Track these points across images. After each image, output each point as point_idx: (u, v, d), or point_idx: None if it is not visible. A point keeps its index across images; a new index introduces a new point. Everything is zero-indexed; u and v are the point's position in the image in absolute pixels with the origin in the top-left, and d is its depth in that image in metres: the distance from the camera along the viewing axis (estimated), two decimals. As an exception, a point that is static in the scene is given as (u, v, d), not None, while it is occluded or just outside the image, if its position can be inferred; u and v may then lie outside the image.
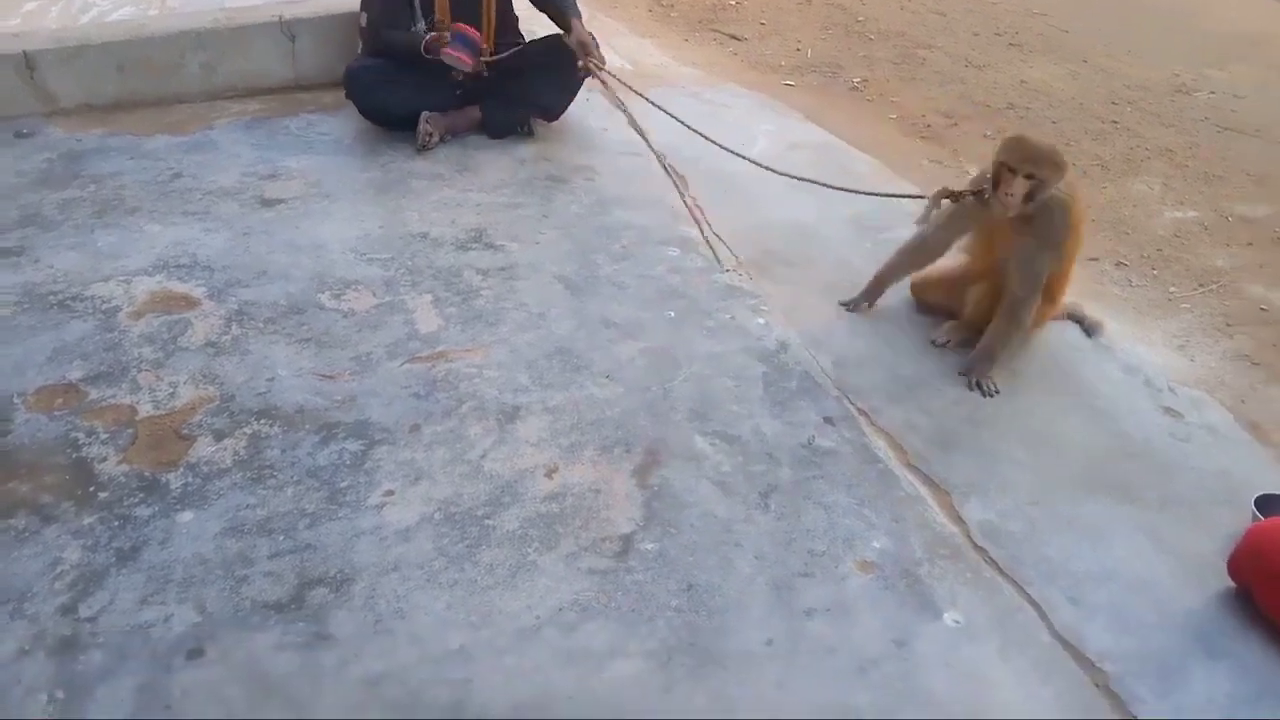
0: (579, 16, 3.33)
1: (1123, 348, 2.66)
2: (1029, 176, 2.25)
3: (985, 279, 2.51)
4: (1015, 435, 2.28)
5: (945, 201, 2.47)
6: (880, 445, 2.19)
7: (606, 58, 3.55)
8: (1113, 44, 4.98)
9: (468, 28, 3.25)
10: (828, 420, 2.24)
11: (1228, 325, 2.87)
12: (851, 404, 2.30)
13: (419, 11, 3.32)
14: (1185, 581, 1.93)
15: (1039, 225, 2.33)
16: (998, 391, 2.40)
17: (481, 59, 3.27)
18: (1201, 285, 3.04)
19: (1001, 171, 2.28)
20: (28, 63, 3.44)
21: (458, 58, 3.23)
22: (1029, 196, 2.27)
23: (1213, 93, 4.42)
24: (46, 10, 3.82)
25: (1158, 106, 4.29)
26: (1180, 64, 4.75)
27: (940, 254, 2.58)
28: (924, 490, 2.08)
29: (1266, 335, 2.84)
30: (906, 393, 2.37)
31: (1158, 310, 2.92)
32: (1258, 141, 3.99)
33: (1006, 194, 2.26)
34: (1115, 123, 4.12)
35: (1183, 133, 4.05)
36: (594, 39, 3.29)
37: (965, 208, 2.43)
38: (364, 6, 3.41)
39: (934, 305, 2.66)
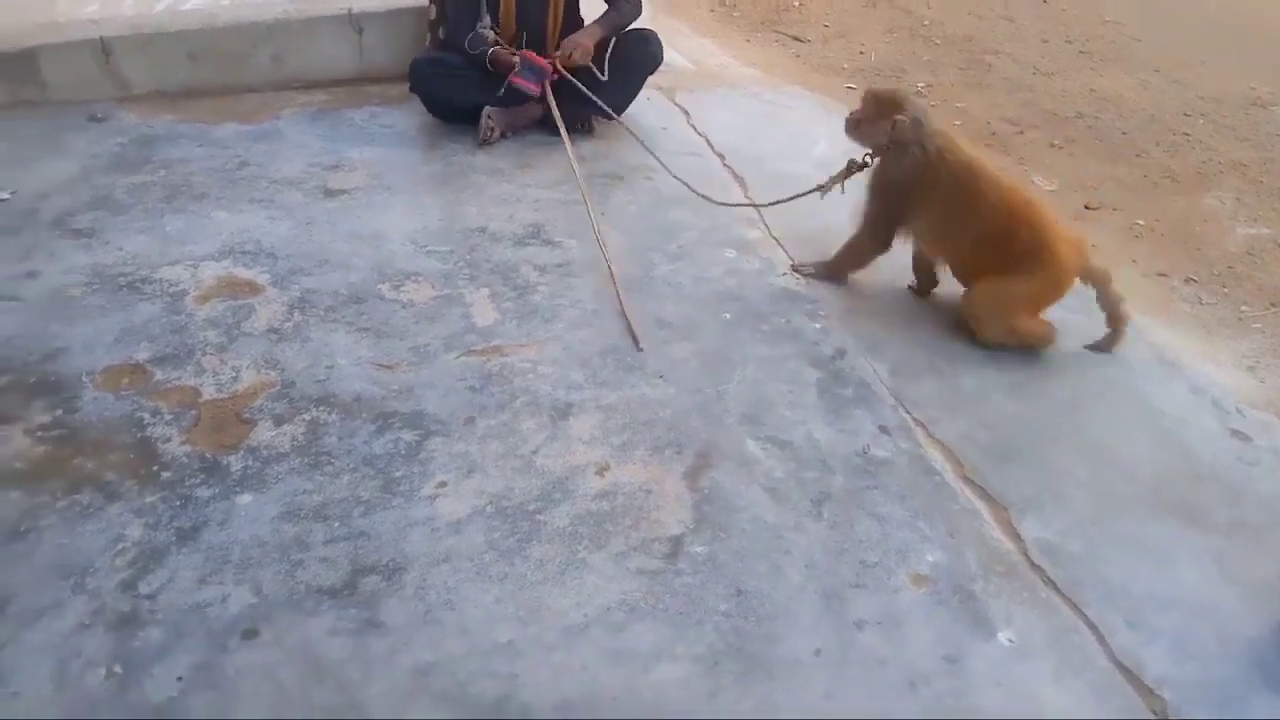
0: (598, 26, 3.37)
1: (1190, 366, 2.58)
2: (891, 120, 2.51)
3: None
4: (1076, 451, 2.23)
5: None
6: (937, 457, 2.15)
7: (669, 57, 3.56)
8: (1186, 54, 4.85)
9: (537, 58, 3.27)
10: (883, 429, 2.21)
11: (1301, 347, 2.78)
12: (908, 414, 2.27)
13: (484, 6, 3.35)
14: (1249, 609, 1.87)
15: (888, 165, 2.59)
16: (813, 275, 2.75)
17: (548, 80, 3.29)
18: (1274, 305, 2.95)
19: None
20: (104, 49, 3.54)
21: (526, 86, 3.26)
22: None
23: (1291, 106, 4.29)
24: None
25: (1232, 120, 4.17)
26: (1256, 77, 4.61)
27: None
28: (981, 504, 2.04)
29: (1342, 359, 2.75)
30: (965, 405, 2.33)
31: (1228, 329, 2.84)
32: (1337, 158, 3.86)
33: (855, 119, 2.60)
34: (1187, 135, 4.01)
35: (1257, 147, 3.93)
36: (583, 49, 3.30)
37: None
38: (450, 18, 3.44)
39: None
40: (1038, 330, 2.52)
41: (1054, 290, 2.50)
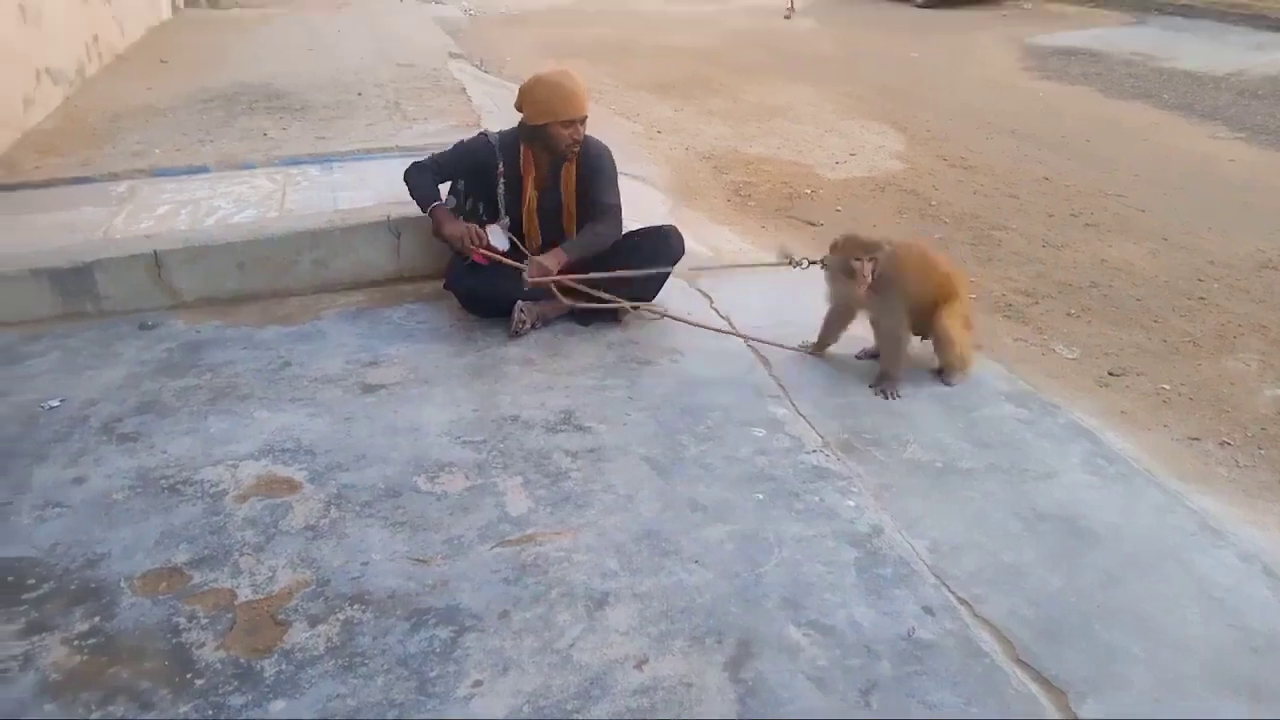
0: (569, 244, 3.50)
1: (1235, 532, 2.53)
2: (872, 259, 3.10)
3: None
4: (1129, 627, 2.16)
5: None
6: (985, 638, 2.09)
7: (689, 246, 3.73)
8: (1191, 222, 5.01)
9: (495, 252, 3.47)
10: (927, 610, 2.16)
11: (1348, 508, 2.72)
12: (951, 593, 2.22)
13: (503, 207, 3.55)
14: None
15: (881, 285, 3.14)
16: (900, 396, 3.14)
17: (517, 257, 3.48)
18: (1314, 465, 2.91)
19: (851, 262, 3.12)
20: (157, 261, 3.76)
21: (490, 253, 3.44)
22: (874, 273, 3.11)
23: (1302, 268, 4.37)
24: (178, 213, 4.17)
25: (1245, 283, 4.25)
26: (1263, 240, 4.74)
27: (847, 315, 3.36)
28: (1035, 688, 1.96)
29: (1392, 519, 2.68)
30: (1008, 580, 2.28)
31: (1269, 492, 2.80)
32: (1356, 316, 3.90)
33: (863, 276, 3.10)
34: (1202, 299, 4.08)
35: (1274, 308, 3.99)
36: (542, 268, 3.41)
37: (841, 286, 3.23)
38: (439, 155, 3.66)
39: None
40: (970, 338, 3.23)
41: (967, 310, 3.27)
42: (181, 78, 6.70)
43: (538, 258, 3.46)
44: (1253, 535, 2.54)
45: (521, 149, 3.53)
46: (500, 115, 5.41)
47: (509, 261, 3.46)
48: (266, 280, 3.88)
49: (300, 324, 3.66)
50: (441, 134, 5.16)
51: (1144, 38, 10.69)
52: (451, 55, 7.84)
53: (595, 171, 3.58)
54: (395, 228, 3.95)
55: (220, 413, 3.04)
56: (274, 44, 8.20)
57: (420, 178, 3.59)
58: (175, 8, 9.99)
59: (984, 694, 1.93)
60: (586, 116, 3.47)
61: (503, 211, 3.59)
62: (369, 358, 3.38)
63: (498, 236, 3.54)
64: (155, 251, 3.77)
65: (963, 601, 2.20)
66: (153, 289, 3.78)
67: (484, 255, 3.46)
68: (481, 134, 3.67)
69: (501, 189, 3.56)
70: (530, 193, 3.56)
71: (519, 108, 3.50)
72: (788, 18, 9.67)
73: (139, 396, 3.14)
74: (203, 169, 4.72)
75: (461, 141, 3.67)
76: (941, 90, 8.19)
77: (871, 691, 1.94)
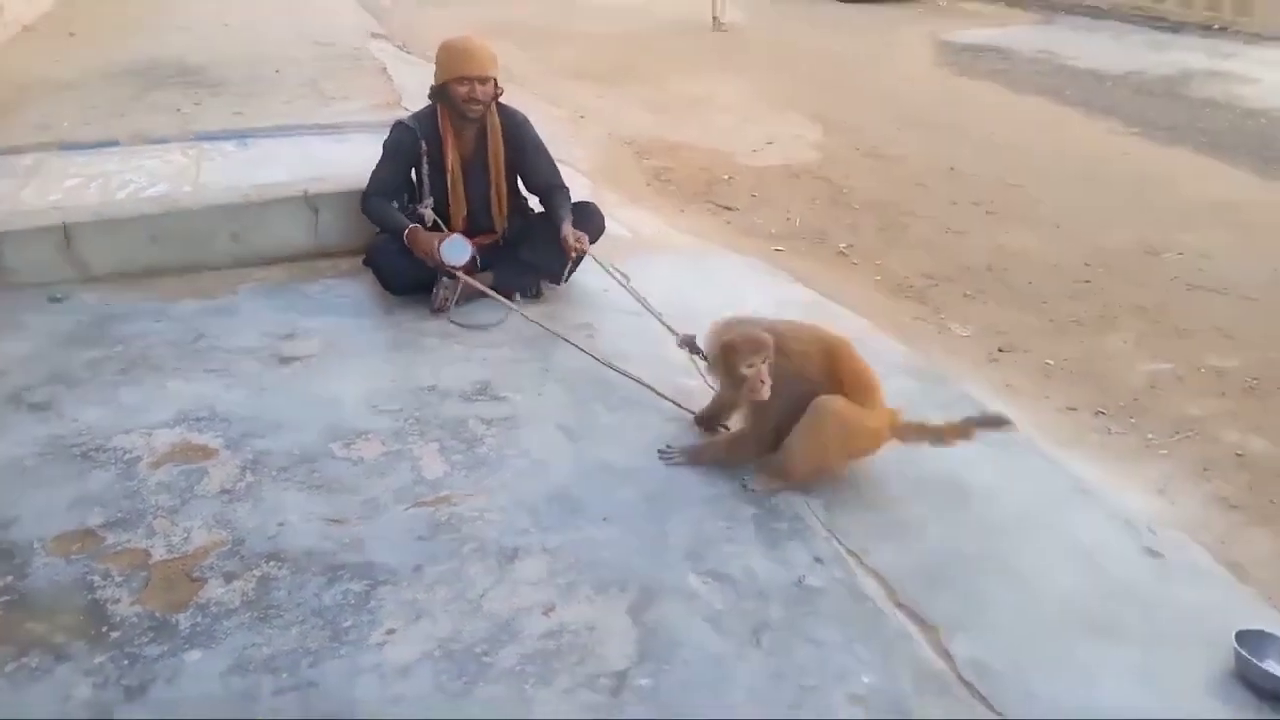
0: (568, 220, 3.60)
1: (1104, 493, 2.74)
2: (765, 360, 2.48)
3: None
4: (1001, 576, 2.34)
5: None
6: (870, 584, 2.25)
7: (609, 226, 3.84)
8: (1084, 213, 5.30)
9: (463, 238, 3.50)
10: (818, 560, 2.31)
11: (1205, 471, 2.97)
12: (841, 545, 2.38)
13: (428, 188, 3.60)
14: (1170, 715, 1.95)
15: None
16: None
17: (470, 259, 3.50)
18: (1178, 433, 3.16)
19: (744, 368, 2.50)
20: (66, 234, 3.71)
21: (454, 262, 3.44)
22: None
23: (1180, 254, 4.67)
24: (87, 186, 4.12)
25: (1129, 268, 4.54)
26: (1149, 228, 5.04)
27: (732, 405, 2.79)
28: (913, 627, 2.13)
29: (1244, 480, 2.94)
30: (895, 535, 2.44)
31: (1137, 457, 3.03)
32: (1225, 298, 4.20)
33: (761, 379, 2.48)
34: (1088, 282, 4.35)
35: (1153, 291, 4.27)
36: (578, 236, 3.54)
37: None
38: (375, 172, 3.66)
39: None
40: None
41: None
42: (90, 51, 6.54)
43: (568, 230, 3.52)
44: (1120, 495, 2.76)
45: (439, 116, 3.59)
46: (422, 95, 5.42)
47: (493, 294, 3.51)
48: (180, 255, 3.86)
49: (215, 298, 3.66)
50: (361, 113, 5.18)
51: (1051, 36, 11.12)
52: (373, 35, 7.79)
53: (524, 144, 3.69)
54: (313, 203, 3.96)
55: (132, 383, 3.04)
56: (188, 19, 8.04)
57: (380, 208, 3.60)
58: (84, -21, 9.67)
59: (866, 632, 2.09)
60: (489, 78, 3.53)
61: (427, 190, 3.62)
62: (286, 331, 3.41)
63: (459, 250, 3.48)
64: (64, 224, 3.73)
65: (851, 553, 2.35)
66: (61, 262, 3.73)
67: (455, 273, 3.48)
68: (397, 124, 3.69)
69: (425, 166, 3.61)
70: (452, 158, 3.60)
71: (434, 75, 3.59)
72: (717, 27, 9.84)
73: (48, 367, 3.12)
74: (113, 143, 4.65)
75: (385, 143, 3.67)
76: (858, 84, 8.44)
77: (763, 631, 2.08)
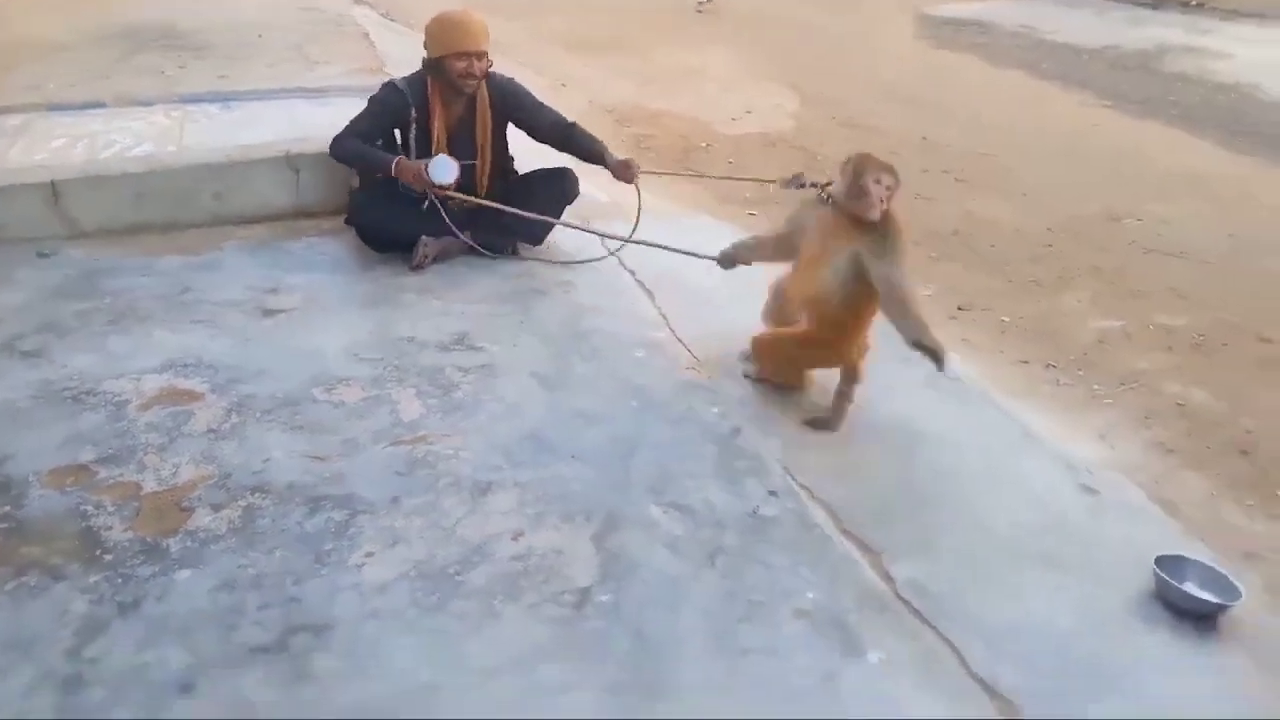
0: (607, 151, 3.80)
1: (1050, 439, 2.90)
2: (889, 186, 2.60)
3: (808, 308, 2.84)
4: (947, 511, 2.49)
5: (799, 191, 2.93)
6: (820, 514, 2.40)
7: (585, 192, 3.96)
8: (1052, 181, 5.44)
9: (448, 157, 3.56)
10: (772, 493, 2.46)
11: (1147, 419, 3.13)
12: (795, 480, 2.53)
13: (414, 154, 3.68)
14: (1095, 632, 2.12)
15: (887, 230, 2.64)
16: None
17: (457, 177, 3.55)
18: (1123, 384, 3.32)
19: (870, 181, 2.59)
20: (54, 191, 3.80)
21: (442, 181, 3.50)
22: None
23: (1139, 220, 4.82)
24: (73, 146, 4.19)
25: (1089, 233, 4.68)
26: (1113, 197, 5.18)
27: (795, 250, 2.88)
28: (858, 553, 2.28)
29: (1182, 427, 3.10)
30: (848, 473, 2.59)
31: (1083, 406, 3.19)
32: (1180, 261, 4.35)
33: (880, 198, 2.59)
34: (1050, 246, 4.49)
35: (1111, 255, 4.42)
36: (629, 163, 3.76)
37: (810, 211, 2.83)
38: (354, 121, 3.69)
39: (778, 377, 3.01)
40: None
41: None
42: (78, 14, 6.57)
43: (623, 158, 3.73)
44: (1063, 441, 2.91)
45: (429, 86, 3.67)
46: (405, 61, 5.49)
47: (477, 247, 3.66)
48: (165, 212, 3.95)
49: (200, 254, 3.75)
50: (344, 77, 5.25)
51: (1032, 11, 11.21)
52: (355, 1, 7.83)
53: (522, 104, 3.80)
54: (294, 163, 4.05)
55: (120, 333, 3.14)
56: (172, -16, 8.04)
57: (357, 147, 3.62)
58: (66, -56, 9.62)
59: (813, 557, 2.24)
60: (484, 52, 3.62)
61: (414, 156, 3.71)
62: (269, 285, 3.51)
63: (445, 169, 3.51)
64: (52, 181, 3.81)
65: (804, 487, 2.50)
66: (50, 218, 3.82)
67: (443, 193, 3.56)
68: (388, 83, 3.76)
69: (414, 131, 3.69)
70: (439, 129, 3.70)
71: (425, 45, 3.65)
72: (700, 11, 9.87)
73: (38, 318, 3.22)
74: (99, 104, 4.71)
75: (372, 98, 3.72)
76: (839, 56, 8.53)
77: (717, 555, 2.22)
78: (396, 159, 3.56)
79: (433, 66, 3.63)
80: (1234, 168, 5.92)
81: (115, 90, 4.90)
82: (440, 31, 3.59)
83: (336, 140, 3.66)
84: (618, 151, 3.93)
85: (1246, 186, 5.51)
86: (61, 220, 3.83)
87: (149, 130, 4.41)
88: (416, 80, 3.70)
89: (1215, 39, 9.82)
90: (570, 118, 3.89)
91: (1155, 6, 11.86)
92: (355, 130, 3.67)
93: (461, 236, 3.65)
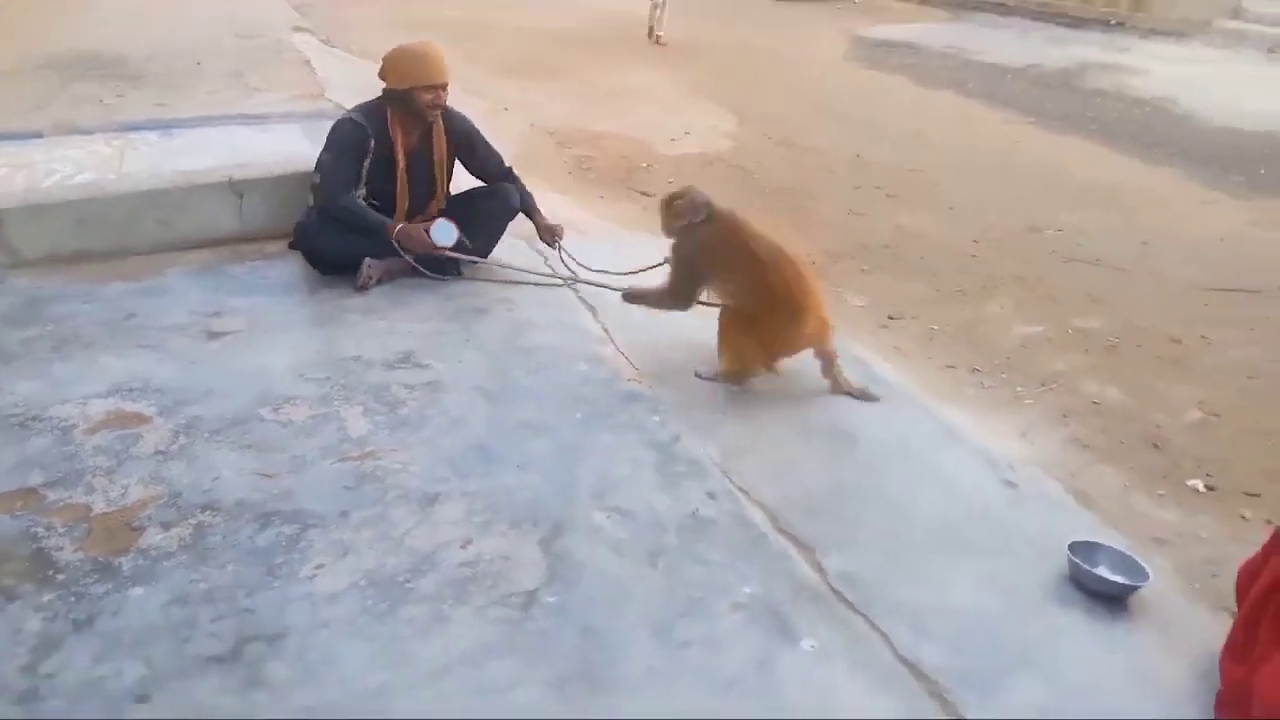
0: (538, 212, 4.01)
1: (972, 437, 3.05)
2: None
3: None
4: (874, 506, 2.62)
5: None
6: (756, 514, 2.51)
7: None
8: (977, 194, 5.67)
9: (447, 222, 3.73)
10: (711, 495, 2.57)
11: (1064, 417, 3.31)
12: (732, 483, 2.64)
13: (364, 178, 3.75)
14: (1014, 614, 2.26)
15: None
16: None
17: (457, 238, 3.76)
18: (1044, 385, 3.50)
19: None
20: (-6, 220, 3.79)
21: (445, 246, 3.71)
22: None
23: (1059, 231, 5.06)
24: (12, 177, 4.18)
25: (1012, 244, 4.90)
26: (1035, 209, 5.43)
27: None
28: (793, 549, 2.40)
29: (1098, 424, 3.28)
30: (781, 474, 2.71)
31: (1005, 406, 3.36)
32: (1096, 269, 4.59)
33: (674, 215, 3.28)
34: (975, 257, 4.70)
35: (1033, 265, 4.64)
36: (555, 229, 3.96)
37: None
38: (317, 167, 3.78)
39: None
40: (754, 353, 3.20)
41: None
42: (5, 43, 6.51)
43: (547, 224, 3.98)
44: (986, 439, 3.07)
45: (389, 117, 3.74)
46: (347, 87, 5.57)
47: (422, 269, 3.78)
48: (108, 239, 3.95)
49: (144, 280, 3.77)
50: (285, 104, 5.30)
51: (959, 33, 11.64)
52: (296, 28, 7.86)
53: (474, 143, 3.96)
54: (238, 189, 4.09)
55: (65, 359, 3.16)
56: (106, 10, 8.00)
57: (354, 206, 3.70)
58: (-4, -28, 9.51)
59: (750, 553, 2.35)
60: (447, 83, 3.73)
61: (363, 183, 3.77)
62: (214, 309, 3.54)
63: (446, 233, 3.71)
64: (-9, 210, 3.80)
65: (740, 489, 2.61)
66: (-10, 247, 3.81)
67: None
68: (344, 119, 3.79)
69: (369, 162, 3.75)
70: (401, 159, 3.78)
71: (383, 76, 3.72)
72: (655, 41, 10.03)
73: (-20, 346, 3.22)
74: (37, 135, 4.70)
75: (335, 139, 3.75)
76: (775, 77, 8.78)
77: (659, 555, 2.32)
78: (398, 226, 3.70)
79: (397, 98, 3.71)
80: (1148, 179, 6.23)
81: (53, 119, 4.89)
82: (405, 64, 3.68)
83: (330, 197, 3.71)
84: (559, 174, 4.05)
85: (1159, 197, 5.81)
86: (3, 249, 3.82)
87: (89, 159, 4.40)
88: (374, 111, 3.77)
89: (1133, 56, 10.28)
90: (509, 154, 4.04)
91: (1077, 26, 12.35)
92: (339, 180, 3.71)
93: (405, 257, 3.73)
